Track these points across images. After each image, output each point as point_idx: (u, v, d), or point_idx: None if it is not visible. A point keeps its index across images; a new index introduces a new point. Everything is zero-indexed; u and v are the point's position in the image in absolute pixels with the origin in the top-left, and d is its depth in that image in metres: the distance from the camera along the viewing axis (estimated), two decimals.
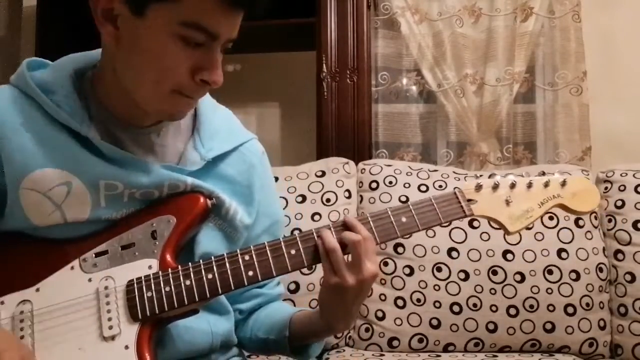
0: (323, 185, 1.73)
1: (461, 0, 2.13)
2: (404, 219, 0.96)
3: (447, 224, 0.99)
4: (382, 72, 2.16)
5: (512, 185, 1.00)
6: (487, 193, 0.99)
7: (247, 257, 0.92)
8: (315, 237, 0.93)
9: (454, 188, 1.00)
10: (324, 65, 2.11)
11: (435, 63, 2.13)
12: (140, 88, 0.90)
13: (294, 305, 1.49)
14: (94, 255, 0.92)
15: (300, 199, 1.70)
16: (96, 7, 0.88)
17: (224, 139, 1.04)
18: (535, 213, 0.99)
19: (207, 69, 0.87)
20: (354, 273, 0.91)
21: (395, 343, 1.61)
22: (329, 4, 2.12)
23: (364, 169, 1.78)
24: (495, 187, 1.00)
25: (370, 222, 0.95)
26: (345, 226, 0.94)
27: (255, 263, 0.92)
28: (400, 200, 1.67)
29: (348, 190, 1.73)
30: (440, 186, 1.70)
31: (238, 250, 0.93)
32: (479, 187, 0.99)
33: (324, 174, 1.75)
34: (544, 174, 1.04)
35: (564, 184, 1.01)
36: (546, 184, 1.01)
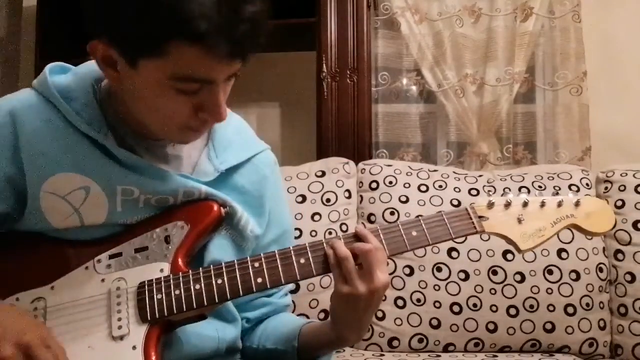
0: (323, 185, 1.72)
1: (461, 0, 2.14)
2: (414, 233, 0.96)
3: (458, 239, 1.00)
4: (382, 72, 2.16)
5: (525, 204, 1.00)
6: (499, 210, 1.00)
7: (256, 264, 0.93)
8: (326, 247, 0.94)
9: (466, 205, 1.00)
10: (324, 65, 2.11)
11: (435, 63, 2.13)
12: (149, 124, 0.92)
13: (294, 306, 1.49)
14: (108, 257, 0.94)
15: (300, 199, 1.70)
16: (95, 55, 0.88)
17: (238, 150, 1.05)
18: (548, 232, 0.99)
19: (208, 109, 0.88)
20: (365, 282, 0.91)
21: (395, 343, 1.61)
22: (329, 4, 2.12)
23: (364, 169, 1.77)
24: (508, 205, 1.00)
25: (381, 235, 0.96)
26: (356, 237, 0.95)
27: (265, 270, 0.93)
28: (400, 201, 1.67)
29: (348, 190, 1.73)
30: (440, 186, 1.70)
31: (248, 257, 0.94)
32: (490, 205, 1.00)
33: (324, 174, 1.75)
34: (556, 193, 1.03)
35: (577, 204, 1.01)
36: (560, 204, 1.01)
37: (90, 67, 1.00)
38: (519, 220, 0.99)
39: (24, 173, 0.93)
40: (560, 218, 1.00)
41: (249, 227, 1.03)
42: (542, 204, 1.00)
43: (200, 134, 0.96)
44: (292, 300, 1.57)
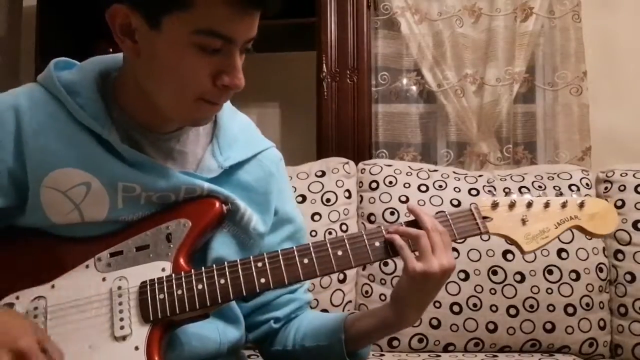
0: (323, 185, 1.73)
1: (461, 0, 2.14)
2: None
3: (461, 240, 1.00)
4: (382, 72, 2.16)
5: (529, 205, 0.99)
6: (503, 211, 0.99)
7: (260, 264, 0.92)
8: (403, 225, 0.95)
9: (470, 204, 1.00)
10: (324, 65, 2.11)
11: (435, 63, 2.13)
12: (164, 98, 0.91)
13: None
14: (109, 255, 0.93)
15: (300, 199, 1.69)
16: (114, 23, 0.88)
17: (243, 147, 1.04)
18: (552, 233, 0.99)
19: (227, 73, 0.88)
20: (439, 260, 0.93)
21: (395, 343, 1.61)
22: (329, 4, 2.12)
23: (364, 169, 1.78)
24: (512, 205, 0.99)
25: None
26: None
27: (268, 270, 0.92)
28: (400, 201, 1.67)
29: (348, 190, 1.73)
30: (440, 186, 1.70)
31: (251, 257, 0.93)
32: (495, 205, 0.99)
33: (324, 174, 1.75)
34: (559, 193, 1.03)
35: (582, 205, 1.01)
36: (564, 205, 1.00)
37: (96, 62, 1.00)
38: (523, 222, 0.99)
39: (26, 168, 0.92)
40: (564, 219, 1.00)
41: (252, 224, 1.02)
42: (547, 205, 1.00)
43: (214, 111, 0.95)
44: None
